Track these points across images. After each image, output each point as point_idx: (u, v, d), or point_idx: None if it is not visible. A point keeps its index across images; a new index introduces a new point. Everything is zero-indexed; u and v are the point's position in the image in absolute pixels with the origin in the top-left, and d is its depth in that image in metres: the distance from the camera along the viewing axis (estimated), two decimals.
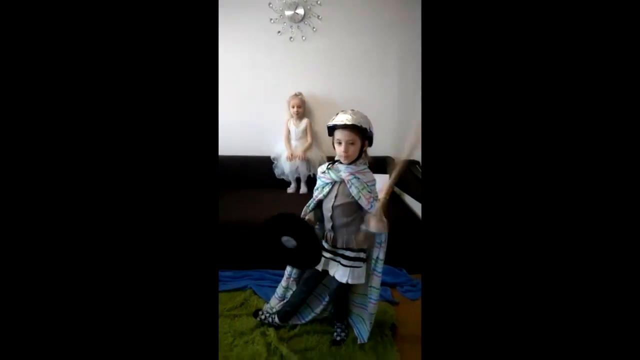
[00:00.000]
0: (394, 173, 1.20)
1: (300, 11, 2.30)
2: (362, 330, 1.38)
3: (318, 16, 2.32)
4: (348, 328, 1.44)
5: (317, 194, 1.31)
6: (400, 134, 2.46)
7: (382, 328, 1.45)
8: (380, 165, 2.39)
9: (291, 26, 2.33)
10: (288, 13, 2.30)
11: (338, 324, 1.43)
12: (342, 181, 1.25)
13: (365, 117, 1.21)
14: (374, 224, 1.18)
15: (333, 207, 1.26)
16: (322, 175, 1.30)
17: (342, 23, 2.34)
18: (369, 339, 1.37)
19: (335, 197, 1.25)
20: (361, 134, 1.19)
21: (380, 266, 1.31)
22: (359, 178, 1.22)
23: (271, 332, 1.40)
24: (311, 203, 1.33)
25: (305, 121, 2.34)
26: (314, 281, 1.38)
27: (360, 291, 1.40)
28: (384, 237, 1.29)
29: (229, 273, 1.85)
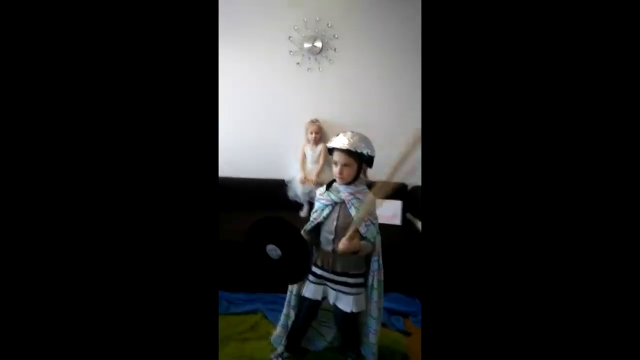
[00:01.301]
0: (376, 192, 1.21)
1: (318, 44, 2.43)
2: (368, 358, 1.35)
3: (334, 49, 2.45)
4: (360, 357, 1.40)
5: (317, 216, 1.26)
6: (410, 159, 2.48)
7: (394, 358, 1.41)
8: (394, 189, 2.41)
9: (309, 58, 2.46)
10: (307, 46, 2.44)
11: (349, 353, 1.40)
12: (342, 202, 1.23)
13: (365, 140, 1.21)
14: (342, 243, 1.16)
15: (336, 229, 1.22)
16: (321, 197, 1.28)
17: (357, 55, 2.46)
18: None
19: (338, 218, 1.23)
20: (358, 157, 1.19)
21: (375, 295, 1.28)
22: (359, 199, 1.22)
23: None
24: (309, 225, 1.28)
25: (320, 146, 2.41)
26: (309, 311, 1.34)
27: (362, 320, 1.36)
28: (377, 265, 1.26)
29: (240, 295, 1.86)
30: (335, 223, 1.23)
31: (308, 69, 2.47)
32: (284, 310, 1.41)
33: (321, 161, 2.40)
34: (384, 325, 1.65)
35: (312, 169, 2.40)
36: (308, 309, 1.33)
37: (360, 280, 1.27)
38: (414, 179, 2.48)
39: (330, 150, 1.24)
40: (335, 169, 1.22)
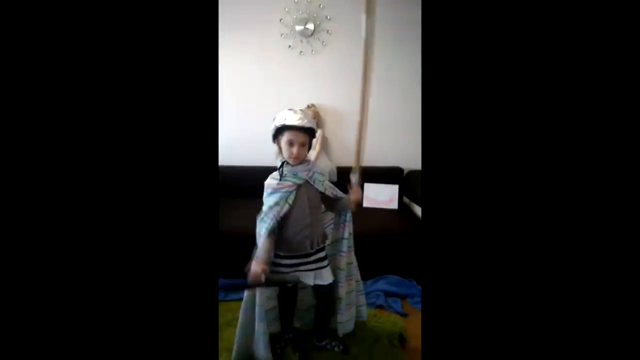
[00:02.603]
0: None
1: (310, 26, 2.37)
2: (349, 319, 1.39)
3: (327, 31, 2.38)
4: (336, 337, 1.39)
5: (281, 208, 1.15)
6: (406, 143, 2.47)
7: (391, 339, 1.44)
8: (389, 174, 2.41)
9: (301, 41, 2.40)
10: (298, 28, 2.37)
11: (328, 340, 1.39)
12: (304, 182, 1.19)
13: (308, 114, 1.19)
14: (355, 195, 1.20)
15: (310, 209, 1.19)
16: (279, 186, 1.17)
17: (350, 37, 2.40)
18: (376, 351, 1.36)
19: (307, 198, 1.19)
20: (310, 133, 1.16)
21: (345, 245, 1.31)
22: (320, 173, 1.24)
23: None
24: (273, 223, 1.14)
25: (318, 132, 2.38)
26: (292, 292, 1.35)
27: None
28: (348, 216, 1.31)
29: (239, 282, 1.86)
30: (306, 203, 1.19)
31: (300, 52, 2.41)
32: (245, 295, 1.26)
33: (318, 147, 2.38)
34: (381, 307, 1.69)
35: (309, 155, 2.38)
36: (290, 290, 1.34)
37: (326, 251, 1.29)
38: (412, 164, 2.48)
39: (279, 131, 1.15)
40: (291, 150, 1.14)
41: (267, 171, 2.74)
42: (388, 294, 1.79)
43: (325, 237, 1.29)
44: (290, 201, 1.17)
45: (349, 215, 1.30)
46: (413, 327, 1.55)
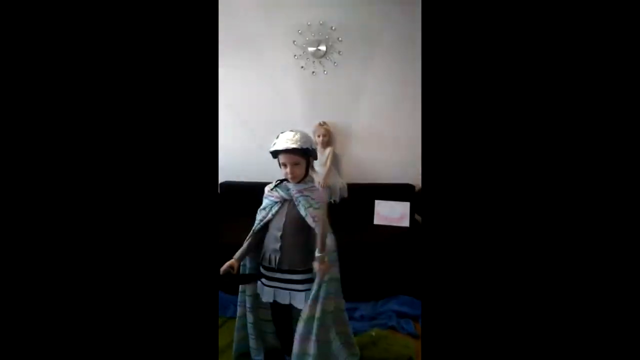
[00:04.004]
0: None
1: (322, 47, 2.44)
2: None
3: (339, 52, 2.45)
4: None
5: (265, 214, 1.26)
6: (416, 160, 2.45)
7: None
8: (400, 191, 2.40)
9: (313, 61, 2.47)
10: (311, 49, 2.45)
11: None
12: (290, 200, 1.24)
13: (306, 135, 1.21)
14: (318, 266, 1.17)
15: (284, 226, 1.22)
16: (269, 194, 1.29)
17: (362, 57, 2.46)
18: None
19: (286, 215, 1.23)
20: (305, 153, 1.19)
21: (333, 287, 1.23)
22: (307, 196, 1.22)
23: None
24: (258, 225, 1.27)
25: (329, 149, 2.41)
26: (284, 313, 1.30)
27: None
28: (334, 257, 1.24)
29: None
30: (283, 219, 1.23)
31: (313, 72, 2.48)
32: (238, 312, 1.35)
33: (328, 164, 2.40)
34: (393, 328, 1.64)
35: (320, 172, 2.39)
36: (281, 312, 1.30)
37: (308, 275, 1.22)
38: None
39: (274, 154, 1.22)
40: (286, 170, 1.20)
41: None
42: (400, 315, 1.74)
43: (304, 262, 1.23)
44: (273, 211, 1.25)
45: (333, 256, 1.23)
46: None
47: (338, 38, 2.43)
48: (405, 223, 2.22)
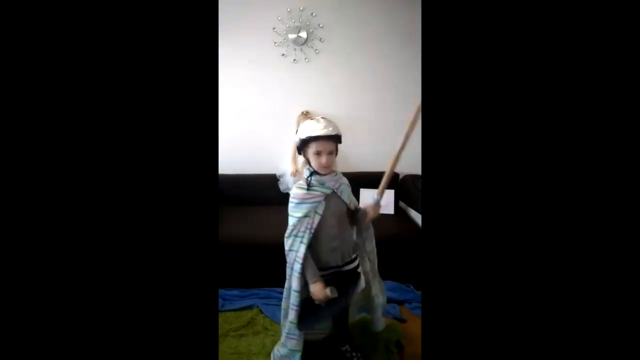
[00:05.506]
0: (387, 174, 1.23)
1: (303, 34, 2.39)
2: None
3: (320, 39, 2.41)
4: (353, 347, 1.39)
5: (313, 219, 1.13)
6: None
7: (389, 345, 1.43)
8: (380, 180, 2.41)
9: (294, 49, 2.41)
10: (291, 36, 2.39)
11: (346, 346, 1.39)
12: (331, 193, 1.17)
13: (334, 122, 1.15)
14: (374, 211, 1.20)
15: (337, 222, 1.17)
16: (307, 197, 1.14)
17: (343, 44, 2.43)
18: (373, 358, 1.35)
19: (331, 210, 1.17)
20: (336, 141, 1.14)
21: (374, 255, 1.34)
22: (346, 184, 1.23)
23: None
24: (307, 237, 1.13)
25: None
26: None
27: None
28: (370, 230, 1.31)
29: (235, 292, 1.85)
30: (332, 216, 1.16)
31: (294, 60, 2.43)
32: (283, 305, 1.27)
33: None
34: None
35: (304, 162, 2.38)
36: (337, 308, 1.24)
37: (357, 262, 1.26)
38: (407, 168, 2.48)
39: (305, 142, 1.13)
40: (320, 160, 1.12)
41: (260, 179, 2.72)
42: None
43: (355, 248, 1.25)
44: (320, 212, 1.14)
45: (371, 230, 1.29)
46: (411, 332, 1.54)
47: (319, 24, 2.38)
48: (390, 210, 2.24)
